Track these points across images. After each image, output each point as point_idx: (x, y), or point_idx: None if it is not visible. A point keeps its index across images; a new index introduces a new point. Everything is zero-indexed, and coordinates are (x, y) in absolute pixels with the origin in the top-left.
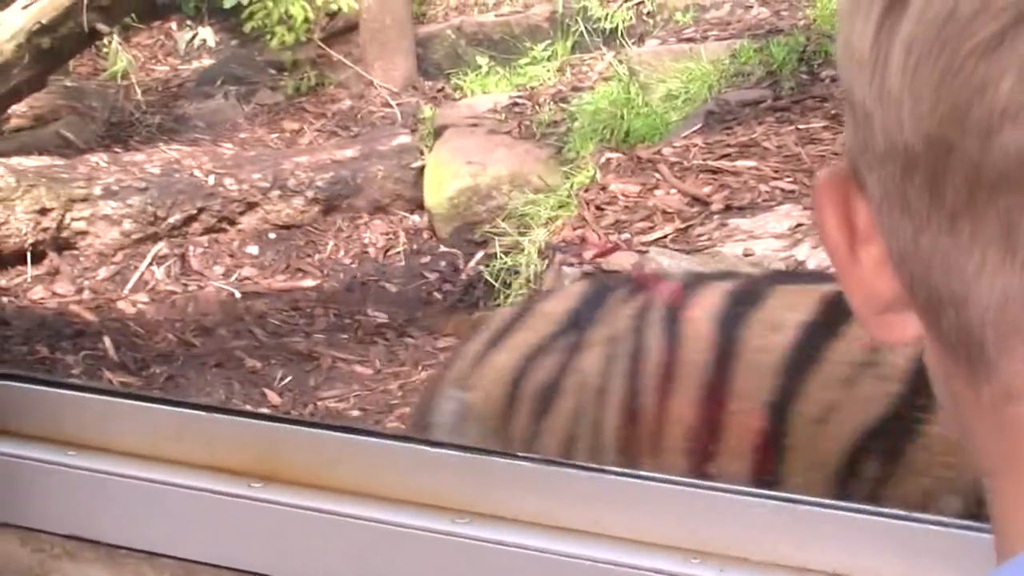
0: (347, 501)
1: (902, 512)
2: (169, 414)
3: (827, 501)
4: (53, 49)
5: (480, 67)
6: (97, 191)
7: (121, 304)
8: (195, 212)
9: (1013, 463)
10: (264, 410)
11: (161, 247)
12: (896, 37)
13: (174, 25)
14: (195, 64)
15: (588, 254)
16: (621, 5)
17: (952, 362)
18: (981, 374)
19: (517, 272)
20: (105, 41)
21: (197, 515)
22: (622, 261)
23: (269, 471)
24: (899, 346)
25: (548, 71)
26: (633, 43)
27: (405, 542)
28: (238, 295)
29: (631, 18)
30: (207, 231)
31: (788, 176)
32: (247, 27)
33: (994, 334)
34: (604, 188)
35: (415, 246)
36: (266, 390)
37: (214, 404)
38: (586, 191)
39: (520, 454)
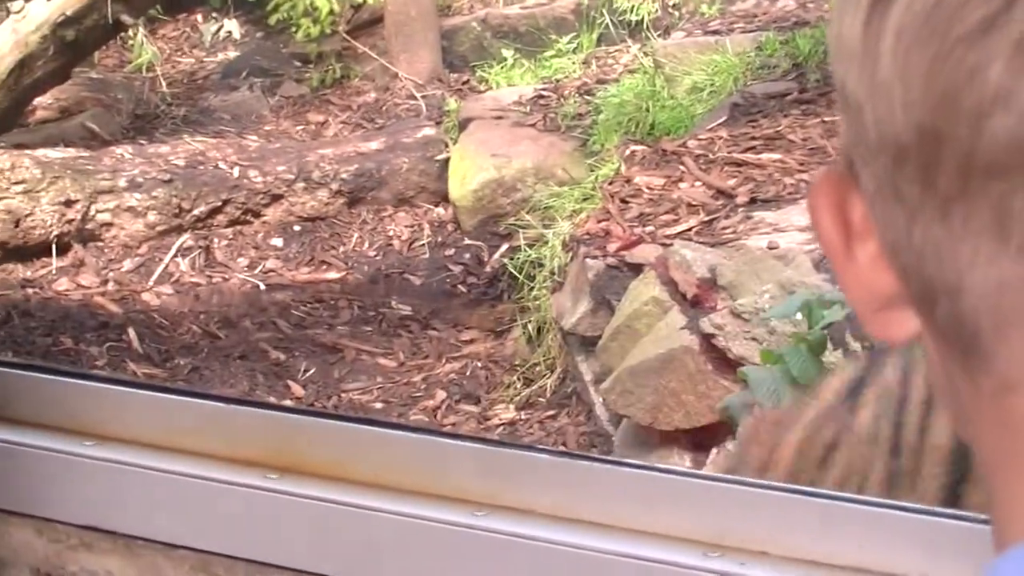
0: (365, 493)
1: (924, 506)
2: (187, 405)
3: (848, 495)
4: (77, 41)
5: (505, 59)
6: (122, 183)
7: (146, 296)
8: (220, 204)
9: (1012, 454)
10: (287, 402)
11: (186, 239)
12: (886, 26)
13: (199, 17)
14: (220, 56)
15: (612, 247)
16: None
17: (949, 354)
18: (978, 365)
19: (541, 265)
20: (131, 33)
21: (214, 506)
22: (646, 254)
23: (286, 463)
24: (899, 344)
25: (573, 63)
26: (659, 35)
27: (423, 535)
28: (262, 287)
29: (656, 10)
30: (232, 223)
31: (813, 169)
32: (272, 19)
33: (990, 323)
34: (629, 181)
35: (439, 238)
36: (290, 382)
37: (233, 395)
38: (610, 184)
39: (538, 447)
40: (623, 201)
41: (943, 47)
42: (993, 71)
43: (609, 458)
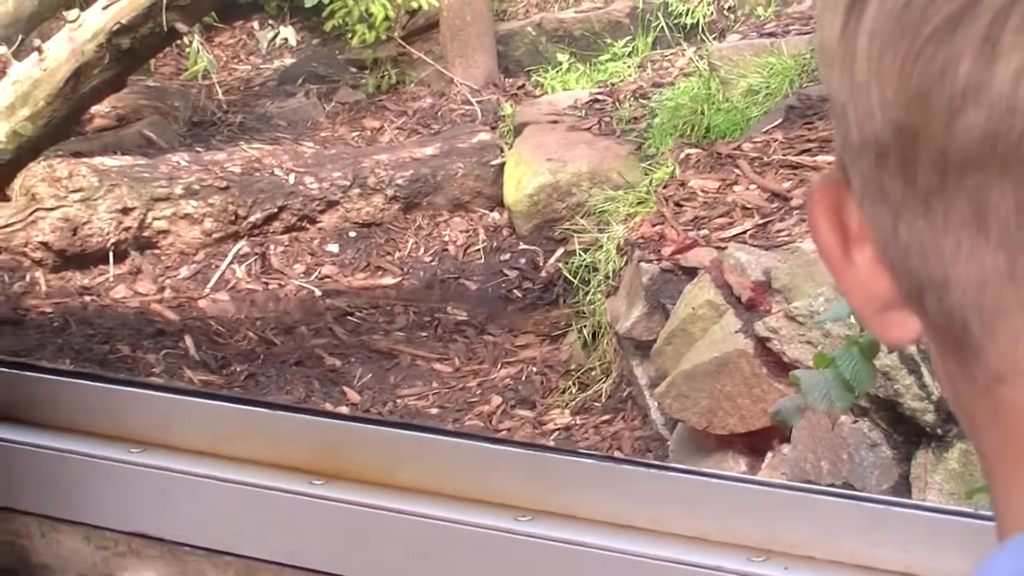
0: (409, 499)
1: (971, 510)
2: (232, 411)
3: (894, 499)
4: (133, 49)
5: (560, 64)
6: (179, 190)
7: (202, 303)
8: (276, 211)
9: (1008, 446)
10: (343, 408)
11: (242, 246)
12: (861, 28)
13: (256, 24)
14: (276, 63)
15: (667, 250)
16: (702, 0)
17: (945, 350)
18: (971, 359)
19: (596, 269)
20: (186, 41)
21: (259, 513)
22: (701, 257)
23: (331, 469)
24: (903, 344)
25: (629, 67)
26: (714, 38)
27: (467, 540)
28: (318, 293)
29: (712, 13)
30: (288, 230)
31: None
32: (328, 26)
33: (977, 316)
34: (683, 184)
35: (495, 243)
36: (346, 388)
37: (284, 402)
38: (665, 187)
39: (581, 451)
40: (678, 204)
41: (914, 46)
42: (963, 67)
43: (652, 462)
